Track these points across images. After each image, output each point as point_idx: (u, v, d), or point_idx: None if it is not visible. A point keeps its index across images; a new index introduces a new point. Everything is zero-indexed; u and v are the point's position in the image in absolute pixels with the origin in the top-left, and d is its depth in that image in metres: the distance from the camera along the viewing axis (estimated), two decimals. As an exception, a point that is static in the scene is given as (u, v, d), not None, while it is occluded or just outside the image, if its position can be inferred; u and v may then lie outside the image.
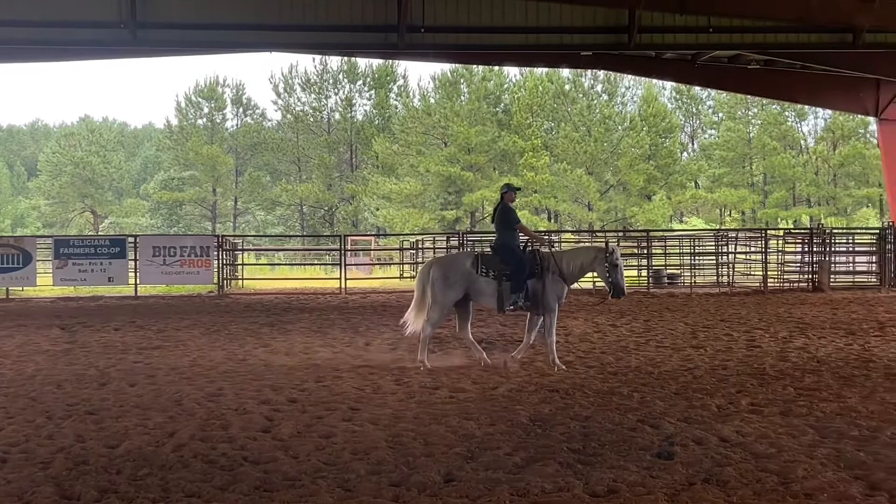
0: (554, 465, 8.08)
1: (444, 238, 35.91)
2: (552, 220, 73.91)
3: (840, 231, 38.18)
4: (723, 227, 56.48)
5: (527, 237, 14.67)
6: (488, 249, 14.98)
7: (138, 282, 29.92)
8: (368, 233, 69.35)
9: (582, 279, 15.89)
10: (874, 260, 31.62)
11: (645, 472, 7.86)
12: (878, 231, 32.35)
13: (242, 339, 17.63)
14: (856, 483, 7.52)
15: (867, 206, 70.44)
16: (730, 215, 75.78)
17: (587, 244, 26.98)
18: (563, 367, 13.65)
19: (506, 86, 75.38)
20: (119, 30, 28.77)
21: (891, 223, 33.15)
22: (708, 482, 7.58)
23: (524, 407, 10.64)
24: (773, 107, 72.19)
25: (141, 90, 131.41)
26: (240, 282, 33.52)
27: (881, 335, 17.18)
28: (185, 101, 76.86)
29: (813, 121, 75.77)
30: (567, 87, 73.76)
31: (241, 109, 78.83)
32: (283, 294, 29.75)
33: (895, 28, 31.04)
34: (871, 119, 46.27)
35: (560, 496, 7.33)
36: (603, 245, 14.00)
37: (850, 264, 33.29)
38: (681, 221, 72.96)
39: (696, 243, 34.45)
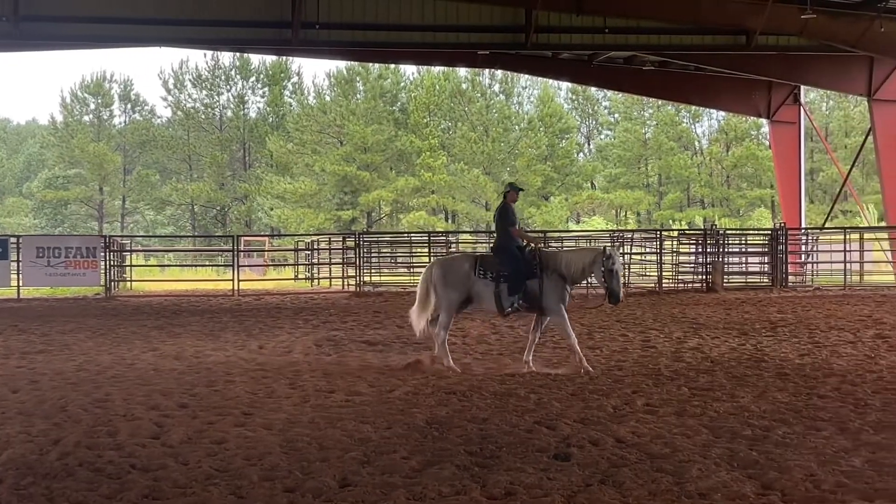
0: (451, 469, 8.10)
1: (340, 238, 35.77)
2: (450, 221, 74.21)
3: (733, 232, 39.05)
4: (619, 228, 57.36)
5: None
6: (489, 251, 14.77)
7: (21, 284, 29.19)
8: (262, 233, 68.75)
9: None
10: (766, 261, 32.41)
11: (542, 474, 7.92)
12: (770, 232, 33.17)
13: (131, 342, 17.31)
14: (749, 482, 7.67)
15: (760, 207, 72.24)
16: (625, 216, 76.97)
17: (588, 246, 26.96)
18: (591, 369, 13.40)
19: (402, 84, 75.47)
20: (1, 23, 28.06)
21: (783, 224, 34.06)
22: (604, 483, 7.68)
23: (421, 410, 10.65)
24: (669, 108, 73.59)
25: (24, 85, 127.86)
26: (128, 283, 32.96)
27: (773, 335, 17.62)
28: (71, 96, 75.31)
29: (707, 122, 77.51)
30: (464, 86, 74.14)
31: (129, 106, 77.51)
32: (174, 296, 29.33)
33: (786, 30, 31.89)
34: (764, 121, 47.53)
35: (457, 499, 7.35)
36: (601, 249, 13.77)
37: (743, 265, 34.09)
38: (577, 222, 73.92)
39: (593, 244, 34.88)
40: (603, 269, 13.38)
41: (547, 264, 13.69)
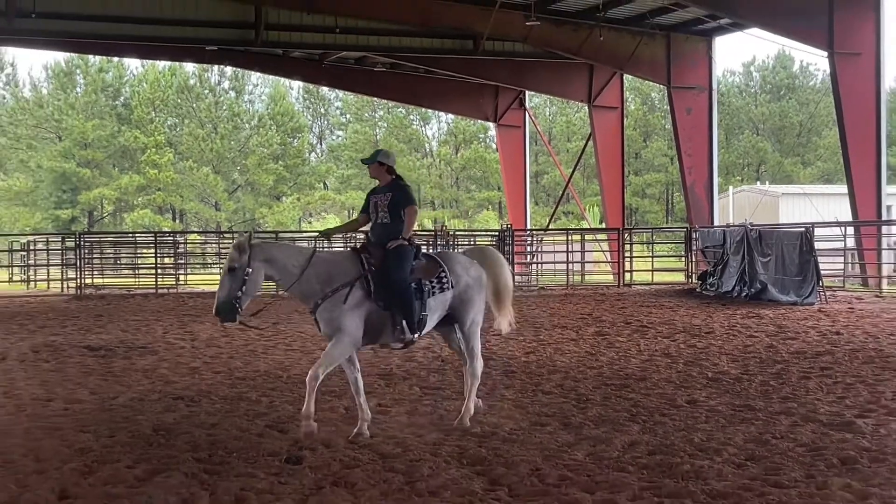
0: (179, 476, 7.92)
1: (59, 239, 34.22)
2: (177, 220, 72.59)
3: (462, 233, 40.03)
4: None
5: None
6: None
7: None
8: (-28, 233, 64.95)
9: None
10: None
11: (273, 479, 7.87)
12: (497, 233, 34.20)
13: None
14: (478, 479, 7.88)
15: (487, 209, 74.59)
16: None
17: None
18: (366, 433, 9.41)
19: (126, 78, 73.20)
20: None
21: (509, 225, 35.23)
22: (336, 485, 7.70)
23: (146, 416, 10.35)
24: (399, 110, 74.77)
25: None
26: None
27: (500, 334, 18.11)
28: None
29: (436, 124, 79.26)
30: (192, 81, 72.72)
31: None
32: None
33: (512, 36, 33.11)
34: (491, 124, 49.08)
35: (185, 508, 7.21)
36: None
37: (472, 265, 34.91)
38: (309, 223, 73.93)
39: (326, 245, 34.84)
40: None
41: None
